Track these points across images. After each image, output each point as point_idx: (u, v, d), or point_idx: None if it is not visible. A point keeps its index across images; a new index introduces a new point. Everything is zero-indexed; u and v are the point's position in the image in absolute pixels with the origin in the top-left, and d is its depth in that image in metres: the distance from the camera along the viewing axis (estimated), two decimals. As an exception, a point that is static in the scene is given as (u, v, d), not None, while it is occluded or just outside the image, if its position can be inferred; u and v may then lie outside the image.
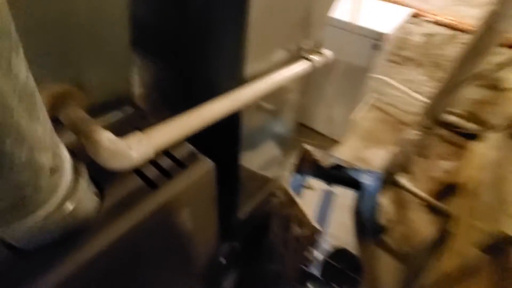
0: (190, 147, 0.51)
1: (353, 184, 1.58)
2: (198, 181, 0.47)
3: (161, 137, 0.38)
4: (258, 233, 1.34)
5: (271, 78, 0.56)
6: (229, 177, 0.85)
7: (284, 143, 1.08)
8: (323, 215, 1.47)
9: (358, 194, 1.55)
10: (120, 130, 0.41)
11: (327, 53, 0.74)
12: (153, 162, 0.48)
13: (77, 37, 0.42)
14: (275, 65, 0.63)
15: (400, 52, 2.32)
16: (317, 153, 1.64)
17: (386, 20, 1.70)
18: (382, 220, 1.77)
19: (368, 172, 1.56)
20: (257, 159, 0.87)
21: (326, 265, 1.24)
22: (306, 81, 1.60)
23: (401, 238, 1.76)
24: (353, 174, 1.56)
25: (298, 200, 1.14)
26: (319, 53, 0.74)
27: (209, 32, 0.56)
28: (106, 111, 0.53)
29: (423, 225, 1.83)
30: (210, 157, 0.48)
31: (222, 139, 0.72)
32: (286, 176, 1.89)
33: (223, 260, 1.12)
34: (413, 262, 1.62)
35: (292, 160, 1.71)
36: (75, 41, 0.42)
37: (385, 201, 1.85)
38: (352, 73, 1.80)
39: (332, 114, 2.08)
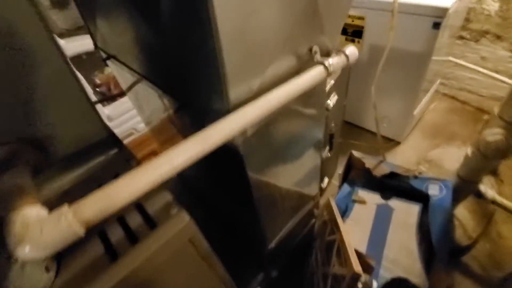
0: (167, 197, 0.43)
1: (416, 195, 1.31)
2: (171, 242, 0.38)
3: (94, 209, 0.30)
4: (299, 260, 1.20)
5: (264, 100, 0.44)
6: (244, 204, 0.75)
7: (319, 153, 0.92)
8: (378, 235, 1.24)
9: (424, 208, 1.27)
10: (98, 178, 0.34)
11: (349, 51, 0.57)
12: (120, 218, 0.41)
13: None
14: (276, 79, 0.50)
15: (470, 25, 1.89)
16: (368, 160, 1.41)
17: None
18: (461, 238, 1.43)
19: (435, 180, 1.26)
20: (280, 178, 0.75)
21: (383, 299, 1.03)
22: (348, 77, 1.40)
23: (489, 260, 1.40)
24: (414, 183, 1.29)
25: (341, 226, 0.97)
26: (338, 53, 0.58)
27: (188, 62, 0.47)
28: (87, 157, 0.48)
29: (521, 243, 1.43)
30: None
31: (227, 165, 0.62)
32: (331, 191, 1.69)
33: (259, 290, 1.02)
34: (508, 291, 1.26)
35: (340, 169, 1.51)
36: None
37: (463, 213, 1.50)
38: (411, 61, 1.51)
39: (388, 110, 1.80)
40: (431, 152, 1.80)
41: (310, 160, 0.85)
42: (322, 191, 1.67)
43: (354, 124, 2.04)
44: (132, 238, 0.39)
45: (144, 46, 0.58)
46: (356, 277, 0.72)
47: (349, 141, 1.86)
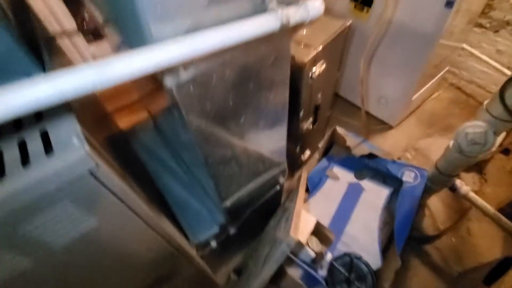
0: (75, 128, 0.41)
1: (391, 180, 1.29)
2: (64, 171, 0.37)
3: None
4: (260, 223, 1.23)
5: (188, 40, 0.40)
6: (195, 159, 0.74)
7: (284, 120, 0.89)
8: (344, 212, 1.25)
9: (395, 193, 1.26)
10: None
11: (311, 4, 0.52)
12: (22, 143, 0.40)
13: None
14: (220, 22, 0.46)
15: (492, 13, 1.72)
16: (350, 138, 1.38)
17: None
18: (428, 228, 1.44)
19: (412, 167, 1.24)
20: (232, 138, 0.73)
21: (332, 270, 1.07)
22: (344, 48, 1.30)
23: (451, 253, 1.42)
24: (391, 167, 1.26)
25: (300, 194, 0.96)
26: (299, 4, 0.52)
27: None
28: None
29: (486, 241, 1.43)
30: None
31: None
32: (313, 164, 1.68)
33: (214, 244, 1.06)
34: (463, 285, 1.29)
35: (321, 143, 1.48)
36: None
37: (436, 205, 1.49)
38: (418, 40, 1.41)
39: (387, 91, 1.72)
40: (421, 141, 1.75)
41: (271, 125, 0.82)
42: (302, 163, 1.66)
43: (349, 101, 1.97)
44: (27, 161, 0.38)
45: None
46: (289, 243, 0.73)
47: (340, 118, 1.81)
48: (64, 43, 1.26)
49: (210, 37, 0.42)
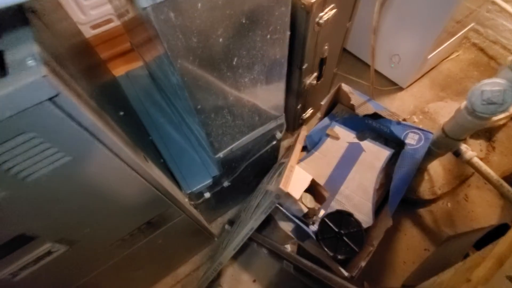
0: (33, 48, 0.36)
1: (393, 141, 1.25)
2: (18, 95, 0.34)
3: None
4: (256, 177, 1.22)
5: None
6: (185, 104, 0.70)
7: (282, 71, 0.82)
8: (341, 171, 1.23)
9: (396, 154, 1.22)
10: None
11: None
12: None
13: None
14: None
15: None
16: (356, 96, 1.30)
17: None
18: (425, 191, 1.43)
19: (417, 129, 1.18)
20: (222, 84, 0.68)
21: (322, 225, 1.08)
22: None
23: (444, 217, 1.42)
24: (395, 128, 1.21)
25: (296, 151, 0.93)
26: None
27: None
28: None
29: (483, 209, 1.42)
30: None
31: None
32: (314, 123, 1.63)
33: (207, 195, 1.06)
34: (451, 250, 1.30)
35: (324, 100, 1.41)
36: None
37: (437, 169, 1.46)
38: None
39: (401, 48, 1.59)
40: (431, 104, 1.66)
41: (268, 73, 0.75)
42: (303, 121, 1.61)
43: (358, 58, 1.84)
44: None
45: None
46: (278, 193, 0.72)
47: (347, 76, 1.71)
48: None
49: None
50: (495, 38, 1.83)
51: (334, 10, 1.00)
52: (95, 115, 0.43)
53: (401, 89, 1.75)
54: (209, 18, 0.51)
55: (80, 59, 0.73)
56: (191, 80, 0.59)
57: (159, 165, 0.86)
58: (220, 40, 0.56)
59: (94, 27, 1.44)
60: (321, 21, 0.97)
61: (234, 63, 0.63)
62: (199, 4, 0.47)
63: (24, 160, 0.41)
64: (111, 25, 1.46)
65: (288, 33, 0.69)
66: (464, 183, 1.48)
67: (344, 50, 1.84)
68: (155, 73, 1.06)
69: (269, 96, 0.87)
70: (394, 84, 1.75)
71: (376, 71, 1.79)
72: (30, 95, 0.34)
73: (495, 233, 1.12)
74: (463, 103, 1.02)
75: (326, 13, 0.97)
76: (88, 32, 1.43)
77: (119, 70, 1.28)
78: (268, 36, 0.64)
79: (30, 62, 0.34)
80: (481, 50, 1.87)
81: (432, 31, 1.41)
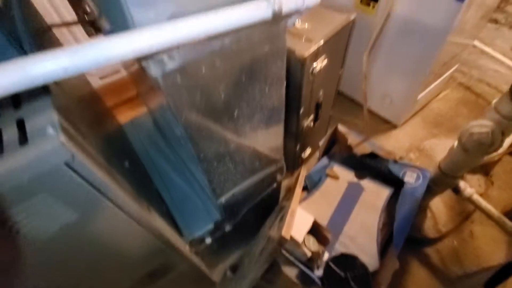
0: (52, 117, 0.40)
1: (392, 180, 1.26)
2: (37, 163, 0.36)
3: None
4: (258, 220, 1.21)
5: (170, 25, 0.38)
6: (187, 153, 0.72)
7: (280, 117, 0.86)
8: (342, 211, 1.22)
9: (396, 193, 1.23)
10: None
11: (306, -7, 0.49)
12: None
13: None
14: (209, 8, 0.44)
15: (508, 8, 1.66)
16: (352, 136, 1.34)
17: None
18: (429, 229, 1.41)
19: (414, 167, 1.20)
20: (224, 133, 0.71)
21: (328, 270, 1.05)
22: (348, 43, 1.26)
23: (452, 256, 1.38)
24: (392, 167, 1.23)
25: (297, 193, 0.94)
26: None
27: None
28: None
29: (489, 245, 1.39)
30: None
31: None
32: (314, 163, 1.65)
33: (209, 241, 1.04)
34: (463, 289, 1.25)
35: (322, 141, 1.45)
36: None
37: (439, 206, 1.45)
38: (426, 36, 1.36)
39: (392, 89, 1.67)
40: (425, 142, 1.71)
41: (267, 121, 0.79)
42: (302, 161, 1.63)
43: (353, 99, 1.93)
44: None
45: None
46: (282, 242, 0.71)
47: (342, 116, 1.78)
48: (62, 36, 1.26)
49: (194, 24, 0.40)
50: (479, 77, 1.94)
51: (326, 61, 1.08)
52: (104, 173, 0.45)
53: (395, 127, 1.81)
54: (212, 77, 0.56)
55: (89, 111, 0.77)
56: (194, 132, 0.63)
57: (161, 212, 0.86)
58: (222, 95, 0.60)
59: (102, 77, 1.53)
60: (315, 71, 1.04)
61: (235, 114, 0.67)
62: (203, 68, 0.52)
63: (32, 219, 0.42)
64: (118, 75, 1.55)
65: (285, 83, 0.74)
66: (467, 219, 1.46)
67: (339, 92, 1.93)
68: (159, 122, 1.10)
69: (269, 141, 0.90)
70: (389, 122, 1.81)
71: (371, 111, 1.86)
72: (48, 161, 0.36)
73: (504, 270, 1.09)
74: (456, 142, 1.06)
75: (319, 63, 1.05)
76: (96, 82, 1.52)
77: (124, 117, 1.33)
78: (267, 89, 0.69)
79: (49, 130, 0.37)
80: (468, 88, 1.97)
81: (419, 73, 1.50)
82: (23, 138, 0.37)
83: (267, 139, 0.88)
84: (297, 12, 0.51)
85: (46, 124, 0.38)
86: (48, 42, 0.76)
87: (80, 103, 0.67)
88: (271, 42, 0.58)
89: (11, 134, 0.38)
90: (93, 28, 1.46)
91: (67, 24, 1.23)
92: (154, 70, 0.45)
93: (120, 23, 0.43)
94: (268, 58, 0.61)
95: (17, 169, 0.35)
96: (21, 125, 0.39)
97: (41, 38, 0.67)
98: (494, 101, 0.90)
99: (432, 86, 1.70)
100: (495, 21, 1.74)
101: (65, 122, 0.41)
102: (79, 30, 1.37)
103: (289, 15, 0.51)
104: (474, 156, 0.93)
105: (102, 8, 0.58)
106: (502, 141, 0.85)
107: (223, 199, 0.91)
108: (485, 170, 1.61)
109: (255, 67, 0.61)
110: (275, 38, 0.58)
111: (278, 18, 0.48)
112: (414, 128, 1.81)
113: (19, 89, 0.31)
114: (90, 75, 1.47)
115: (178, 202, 1.04)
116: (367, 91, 1.80)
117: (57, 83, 0.53)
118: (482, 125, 0.86)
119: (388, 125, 1.81)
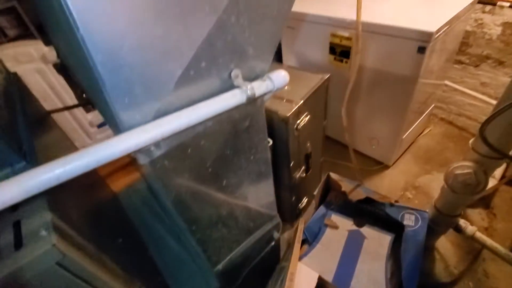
0: (46, 217, 0.42)
1: (391, 224, 1.25)
2: (32, 264, 0.37)
3: None
4: (258, 282, 1.16)
5: (155, 125, 0.43)
6: (179, 229, 0.73)
7: (269, 177, 0.89)
8: (347, 263, 1.18)
9: (397, 238, 1.21)
10: None
11: (275, 76, 0.56)
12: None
13: None
14: (192, 102, 0.49)
15: (470, 50, 1.83)
16: (346, 182, 1.36)
17: (438, 14, 1.34)
18: (441, 273, 1.35)
19: (411, 209, 1.20)
20: (216, 203, 0.73)
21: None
22: (326, 98, 1.36)
23: (471, 301, 1.30)
24: (390, 211, 1.23)
25: (295, 253, 0.93)
26: (264, 78, 0.56)
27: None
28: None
29: (506, 283, 1.32)
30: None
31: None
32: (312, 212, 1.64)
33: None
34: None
35: (316, 191, 1.47)
36: None
37: (446, 246, 1.41)
38: (398, 83, 1.47)
39: (377, 133, 1.75)
40: (420, 178, 1.72)
41: (256, 183, 0.82)
42: (300, 211, 1.62)
43: (342, 143, 1.99)
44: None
45: (74, 61, 0.59)
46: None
47: (335, 161, 1.82)
48: (61, 117, 1.34)
49: (177, 119, 0.44)
50: (458, 112, 2.04)
51: (308, 117, 1.15)
52: (95, 265, 0.45)
53: (387, 167, 1.84)
54: (198, 156, 0.59)
55: (83, 190, 0.79)
56: (184, 208, 0.64)
57: (157, 285, 0.83)
58: (210, 169, 0.64)
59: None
60: (299, 127, 1.11)
61: (223, 184, 0.70)
62: (189, 149, 0.56)
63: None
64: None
65: (268, 150, 0.78)
66: (478, 257, 1.41)
67: (329, 138, 2.00)
68: (153, 190, 1.12)
69: (261, 200, 0.91)
70: (380, 163, 1.85)
71: (361, 153, 1.91)
72: (40, 262, 0.38)
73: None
74: (444, 184, 1.08)
75: (302, 119, 1.12)
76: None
77: (119, 184, 1.34)
78: (252, 157, 0.73)
79: (43, 233, 0.39)
80: (450, 123, 2.06)
81: (399, 115, 1.59)
82: (19, 241, 0.39)
83: (259, 198, 0.89)
84: (269, 92, 0.57)
85: (40, 226, 0.40)
86: (48, 127, 0.81)
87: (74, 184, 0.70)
88: (251, 117, 0.63)
89: (7, 237, 0.40)
90: (91, 105, 1.56)
91: (66, 108, 1.32)
92: (142, 159, 0.49)
93: (111, 120, 0.48)
94: (250, 131, 0.66)
95: (11, 273, 0.36)
96: (17, 225, 0.41)
97: (40, 125, 0.73)
98: (470, 142, 0.95)
99: (415, 124, 1.78)
100: (460, 62, 1.90)
101: (58, 220, 0.44)
102: (78, 110, 1.46)
103: (262, 96, 0.57)
104: (464, 196, 0.94)
105: (95, 103, 0.64)
106: (486, 180, 0.87)
107: (220, 266, 0.89)
108: (485, 202, 1.60)
109: (238, 140, 0.65)
110: (254, 113, 0.64)
111: (252, 101, 0.54)
112: (406, 166, 1.84)
113: (17, 201, 0.34)
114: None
115: (174, 270, 1.00)
116: (354, 136, 1.88)
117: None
118: (464, 166, 0.89)
119: (380, 166, 1.84)
